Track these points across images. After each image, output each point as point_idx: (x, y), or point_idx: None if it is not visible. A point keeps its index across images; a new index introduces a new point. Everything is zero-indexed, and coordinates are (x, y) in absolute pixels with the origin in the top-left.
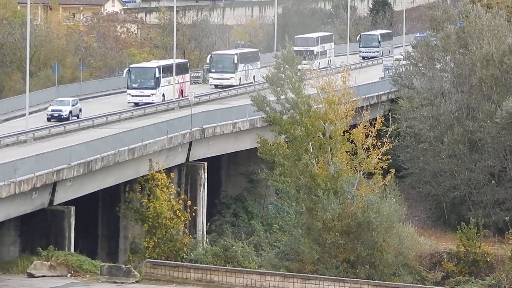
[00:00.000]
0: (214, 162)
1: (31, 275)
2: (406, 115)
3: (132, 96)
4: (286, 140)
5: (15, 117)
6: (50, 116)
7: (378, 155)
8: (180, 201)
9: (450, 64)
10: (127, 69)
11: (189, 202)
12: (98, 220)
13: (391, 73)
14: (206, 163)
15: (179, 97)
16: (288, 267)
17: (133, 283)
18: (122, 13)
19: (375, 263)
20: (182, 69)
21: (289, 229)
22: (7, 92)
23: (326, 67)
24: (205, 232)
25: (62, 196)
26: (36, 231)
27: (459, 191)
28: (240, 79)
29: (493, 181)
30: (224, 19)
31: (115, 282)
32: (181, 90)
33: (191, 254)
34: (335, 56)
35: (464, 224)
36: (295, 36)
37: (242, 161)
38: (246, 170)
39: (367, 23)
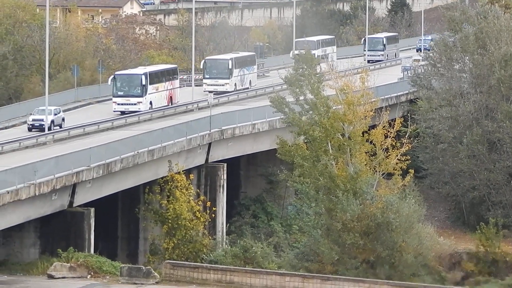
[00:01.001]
0: (233, 163)
1: (51, 277)
2: (425, 116)
3: (118, 104)
4: (305, 141)
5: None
6: (31, 126)
7: (397, 155)
8: (200, 202)
9: (469, 65)
10: (112, 76)
11: (208, 203)
12: (118, 221)
13: (409, 74)
14: (225, 164)
15: (168, 105)
16: (308, 267)
17: (153, 284)
18: (141, 15)
19: (394, 264)
20: (171, 75)
21: (309, 230)
22: (27, 95)
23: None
24: (224, 233)
25: (82, 197)
26: (56, 232)
27: (478, 192)
28: (235, 84)
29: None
30: (243, 20)
31: (135, 283)
32: (170, 97)
33: (211, 255)
34: (337, 59)
35: (484, 224)
36: (295, 40)
37: (261, 162)
38: (265, 171)
39: (386, 24)
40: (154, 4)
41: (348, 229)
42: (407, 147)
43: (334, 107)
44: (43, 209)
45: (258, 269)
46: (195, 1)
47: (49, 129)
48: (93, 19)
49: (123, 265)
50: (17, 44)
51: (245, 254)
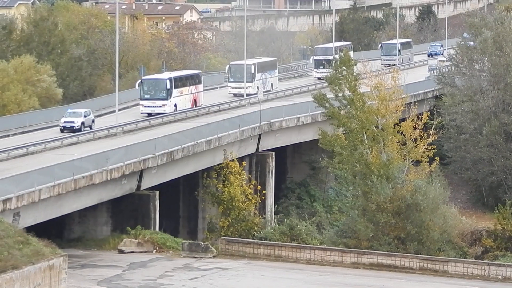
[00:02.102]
0: (280, 152)
1: (121, 251)
2: (449, 110)
3: (145, 106)
4: (344, 132)
5: (106, 114)
6: (63, 127)
7: (424, 145)
8: (251, 186)
9: (487, 65)
10: (140, 80)
11: (259, 187)
12: (180, 203)
13: (435, 73)
14: (273, 153)
15: (192, 107)
16: (346, 243)
17: (210, 258)
18: (199, 21)
19: (422, 240)
20: (195, 79)
21: (347, 210)
22: (99, 92)
23: None
24: (273, 213)
25: (148, 182)
26: (125, 212)
27: (496, 176)
28: (257, 87)
29: None
30: (288, 26)
31: (195, 257)
32: (194, 100)
33: (261, 232)
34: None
35: (501, 205)
36: (315, 46)
37: (305, 151)
38: (309, 158)
39: (414, 30)
40: (210, 12)
41: (381, 210)
42: (433, 138)
43: (369, 103)
44: (114, 192)
45: (302, 245)
46: (247, 10)
47: (79, 130)
48: (157, 25)
49: (184, 241)
50: (91, 47)
51: (291, 231)
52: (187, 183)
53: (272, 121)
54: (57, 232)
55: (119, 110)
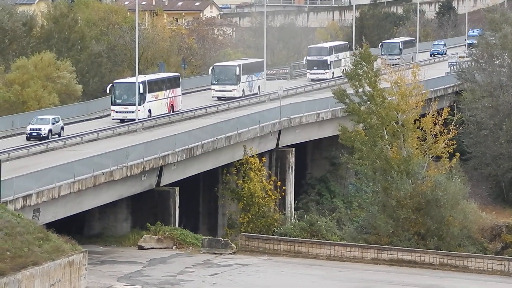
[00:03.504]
0: (300, 148)
1: (141, 247)
2: (469, 106)
3: (116, 112)
4: (364, 128)
5: None
6: (29, 135)
7: (444, 140)
8: (271, 182)
9: (508, 60)
10: (111, 84)
11: (279, 183)
12: (199, 199)
13: (455, 69)
14: (293, 149)
15: (169, 112)
16: (366, 239)
17: (230, 254)
18: (219, 17)
19: (442, 236)
20: (172, 83)
21: (367, 206)
22: None
23: (341, 76)
24: (293, 209)
25: (168, 178)
26: (145, 209)
27: None
28: (243, 90)
29: None
30: (309, 22)
31: (215, 253)
32: (171, 104)
33: (281, 228)
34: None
35: None
36: (309, 46)
37: (325, 146)
38: (329, 154)
39: (434, 25)
40: (230, 8)
41: (401, 205)
42: (453, 133)
43: (389, 98)
44: (134, 188)
45: (322, 241)
46: (267, 5)
47: (47, 138)
48: (177, 21)
49: (204, 237)
50: (111, 43)
51: (311, 227)
52: (207, 179)
53: (292, 117)
54: (77, 228)
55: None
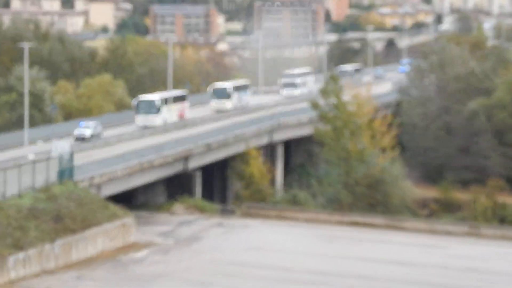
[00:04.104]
0: (286, 143)
1: (173, 213)
2: (406, 112)
3: (140, 121)
4: (331, 128)
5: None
6: (75, 139)
7: (389, 137)
8: (265, 167)
9: (434, 80)
10: (136, 100)
11: (271, 168)
12: (214, 179)
13: (397, 86)
14: (282, 143)
15: (179, 120)
16: (333, 207)
17: (236, 218)
18: (228, 50)
19: (387, 205)
20: (181, 98)
21: (333, 184)
22: None
23: (307, 93)
24: (281, 186)
25: (192, 164)
26: (176, 186)
27: (439, 160)
28: (234, 104)
29: (461, 154)
30: (293, 54)
31: (225, 217)
32: (181, 114)
33: (272, 199)
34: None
35: (443, 180)
36: (283, 72)
37: (304, 141)
38: (307, 147)
39: (382, 55)
40: (237, 43)
41: (358, 184)
42: (395, 132)
43: (349, 107)
44: (168, 172)
45: (301, 208)
46: (262, 41)
47: (89, 140)
48: (198, 52)
49: (218, 206)
50: (151, 68)
51: (294, 199)
52: (220, 165)
53: (280, 120)
54: (127, 199)
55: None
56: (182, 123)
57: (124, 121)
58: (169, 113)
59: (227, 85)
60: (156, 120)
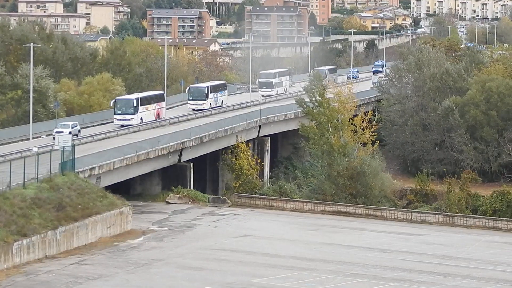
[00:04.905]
0: (274, 137)
1: (167, 202)
2: (385, 109)
3: (117, 120)
4: (315, 124)
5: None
6: (54, 137)
7: (369, 132)
8: (254, 160)
9: (411, 79)
10: (113, 100)
11: (259, 160)
12: (207, 171)
13: (376, 85)
14: (269, 138)
15: (156, 119)
16: (317, 198)
17: (227, 207)
18: (220, 50)
19: (367, 195)
20: (158, 98)
21: (317, 176)
22: None
23: (283, 93)
24: (268, 177)
25: (186, 156)
26: (171, 177)
27: (416, 154)
28: (210, 104)
29: (436, 148)
30: (279, 53)
31: (216, 207)
32: (158, 114)
33: (260, 190)
34: (292, 85)
35: (420, 173)
36: (260, 72)
37: (290, 136)
38: (292, 141)
39: (363, 56)
40: (228, 44)
41: (340, 175)
42: (375, 128)
43: (332, 104)
44: (163, 163)
45: (288, 198)
46: (252, 43)
47: None
48: (192, 53)
49: (209, 196)
50: (148, 67)
51: (280, 189)
52: (212, 157)
53: (268, 116)
54: (125, 190)
55: (167, 109)
56: (158, 123)
57: (103, 120)
58: (146, 113)
59: (203, 85)
60: (133, 119)
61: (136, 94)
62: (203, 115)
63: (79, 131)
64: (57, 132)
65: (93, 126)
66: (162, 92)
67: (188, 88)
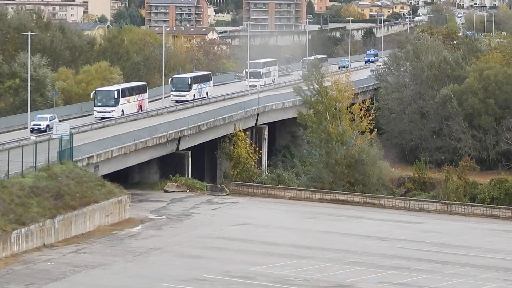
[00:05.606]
0: (272, 125)
1: (165, 191)
2: (383, 98)
3: (98, 112)
4: (313, 112)
5: (156, 100)
6: (32, 129)
7: (367, 121)
8: (252, 148)
9: (409, 68)
10: (94, 91)
11: (257, 149)
12: (205, 159)
13: (374, 73)
14: (267, 126)
15: (138, 111)
16: (315, 186)
17: (225, 195)
18: (218, 39)
19: (365, 184)
20: (141, 89)
21: (315, 164)
22: (151, 85)
23: (271, 83)
24: (266, 166)
25: (184, 145)
26: (169, 165)
27: (414, 142)
28: (194, 95)
29: (434, 136)
30: (277, 42)
31: (214, 195)
32: (140, 106)
33: (259, 178)
34: (290, 73)
35: (418, 161)
36: (247, 62)
37: (288, 124)
38: (290, 130)
39: (360, 44)
40: (226, 32)
41: (338, 163)
42: (372, 116)
43: (330, 92)
44: (161, 152)
45: (286, 187)
46: (250, 31)
47: (45, 131)
48: (190, 41)
49: (207, 184)
50: (146, 56)
51: (279, 178)
52: (210, 146)
53: (266, 104)
54: (123, 178)
55: (165, 97)
56: (139, 115)
57: (84, 113)
58: (128, 105)
59: (187, 76)
60: (114, 111)
61: (117, 85)
62: (193, 105)
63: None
64: (34, 124)
65: (91, 115)
66: (145, 83)
67: (170, 78)
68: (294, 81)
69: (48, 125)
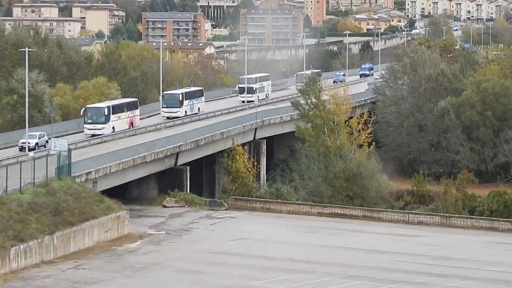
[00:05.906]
0: (270, 139)
1: (164, 206)
2: (381, 111)
3: (88, 129)
4: (311, 126)
5: (153, 115)
6: (20, 147)
7: (365, 134)
8: (250, 162)
9: (407, 81)
10: (84, 108)
11: (255, 163)
12: (203, 174)
13: (372, 86)
14: (265, 140)
15: (129, 128)
16: (313, 200)
17: (224, 210)
18: (215, 53)
19: (364, 197)
20: (132, 106)
21: (314, 178)
22: (149, 101)
23: (264, 98)
24: (265, 180)
25: (182, 160)
26: (167, 180)
27: (412, 155)
28: (185, 112)
29: (432, 149)
30: (274, 56)
31: (213, 210)
32: (131, 122)
33: (257, 193)
34: (288, 87)
35: (416, 174)
36: (240, 77)
37: (286, 138)
38: (289, 144)
39: (358, 58)
40: (223, 47)
41: (337, 177)
42: (370, 129)
43: (328, 106)
44: (159, 167)
45: (284, 201)
46: (247, 45)
47: (34, 149)
48: (187, 56)
49: (206, 199)
50: (143, 71)
51: (277, 192)
52: (208, 160)
53: (264, 119)
54: (122, 193)
55: (150, 116)
56: (137, 130)
57: (81, 128)
58: (119, 122)
59: (178, 92)
60: (105, 128)
61: (108, 102)
62: (191, 120)
63: (46, 141)
64: (23, 142)
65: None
66: (136, 99)
67: (162, 95)
68: (291, 95)
69: (37, 143)
